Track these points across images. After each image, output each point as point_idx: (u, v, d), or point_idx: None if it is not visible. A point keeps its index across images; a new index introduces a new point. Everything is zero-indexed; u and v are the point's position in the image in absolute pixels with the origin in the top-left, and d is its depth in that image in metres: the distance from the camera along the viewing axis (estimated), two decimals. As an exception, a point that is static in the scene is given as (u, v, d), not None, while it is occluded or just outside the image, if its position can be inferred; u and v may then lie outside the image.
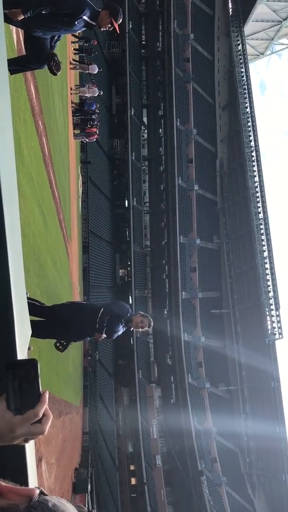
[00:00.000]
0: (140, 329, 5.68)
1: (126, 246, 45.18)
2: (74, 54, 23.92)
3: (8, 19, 4.29)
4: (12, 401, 1.16)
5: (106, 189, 44.17)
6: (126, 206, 45.81)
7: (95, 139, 27.22)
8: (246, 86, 49.62)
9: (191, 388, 43.20)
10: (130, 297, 43.19)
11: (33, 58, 4.88)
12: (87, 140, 26.90)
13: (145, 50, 50.49)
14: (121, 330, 5.67)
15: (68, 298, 17.52)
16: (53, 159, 11.77)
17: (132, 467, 41.22)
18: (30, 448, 1.48)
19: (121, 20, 4.87)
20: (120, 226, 46.54)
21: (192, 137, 47.48)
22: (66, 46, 19.70)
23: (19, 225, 1.68)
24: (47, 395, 1.20)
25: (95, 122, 24.54)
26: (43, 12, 4.40)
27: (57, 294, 12.54)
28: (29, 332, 1.74)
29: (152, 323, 5.73)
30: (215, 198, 50.19)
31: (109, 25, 4.76)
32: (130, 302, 42.61)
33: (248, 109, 48.77)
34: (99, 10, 4.77)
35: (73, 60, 23.33)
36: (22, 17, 4.33)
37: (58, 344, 5.66)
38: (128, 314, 5.69)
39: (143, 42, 50.74)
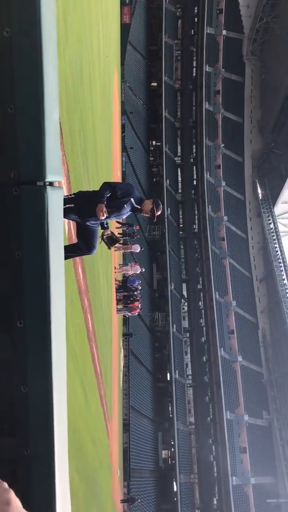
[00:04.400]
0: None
1: (169, 423, 42.61)
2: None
3: (65, 215, 4.92)
4: None
5: (147, 362, 43.66)
6: (168, 379, 44.55)
7: (137, 313, 27.91)
8: (281, 260, 51.65)
9: None
10: (174, 483, 39.15)
11: (83, 246, 5.48)
12: (129, 315, 27.60)
13: (183, 231, 54.77)
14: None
15: (107, 484, 16.07)
16: (96, 334, 12.00)
17: None
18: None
19: (160, 212, 5.69)
20: (162, 401, 44.63)
21: (232, 308, 48.06)
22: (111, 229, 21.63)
23: (65, 408, 1.64)
24: None
25: (137, 297, 25.46)
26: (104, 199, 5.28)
27: (95, 477, 11.58)
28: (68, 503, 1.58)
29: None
30: (260, 370, 48.40)
31: (150, 213, 5.57)
32: (175, 489, 38.53)
33: (285, 281, 49.91)
34: (144, 198, 5.63)
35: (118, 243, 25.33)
36: (103, 206, 5.21)
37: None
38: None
39: (181, 225, 55.30)
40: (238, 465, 41.28)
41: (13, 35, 1.48)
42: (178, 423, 41.78)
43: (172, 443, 41.46)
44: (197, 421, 46.22)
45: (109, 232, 5.77)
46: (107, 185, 5.37)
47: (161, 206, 5.70)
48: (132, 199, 5.46)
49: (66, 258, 5.61)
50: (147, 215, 5.65)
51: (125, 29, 42.78)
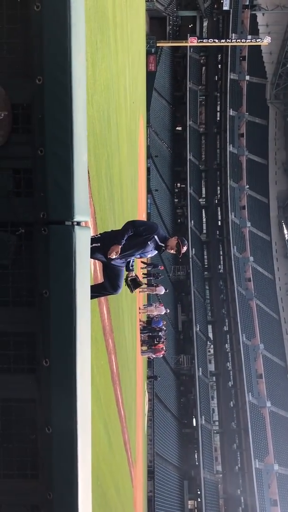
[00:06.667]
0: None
1: (195, 471, 41.01)
2: (143, 278, 26.10)
3: (92, 254, 4.97)
4: None
5: (172, 407, 42.57)
6: (194, 425, 43.21)
7: (161, 355, 27.50)
8: (309, 302, 50.55)
9: None
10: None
11: (109, 285, 5.50)
12: (154, 356, 27.21)
13: (208, 272, 54.44)
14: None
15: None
16: (120, 376, 11.82)
17: None
18: None
19: (185, 249, 5.69)
20: (188, 447, 43.15)
21: (260, 351, 46.84)
22: (136, 272, 21.68)
23: (89, 451, 1.60)
24: None
25: (162, 339, 25.15)
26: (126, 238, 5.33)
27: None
28: None
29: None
30: (290, 416, 46.53)
31: (176, 250, 5.60)
32: None
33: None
34: (169, 237, 5.69)
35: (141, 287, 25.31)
36: (119, 248, 5.24)
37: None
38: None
39: (206, 265, 55.06)
40: (268, 518, 39.13)
41: (45, 82, 1.55)
42: (205, 472, 40.17)
43: (199, 492, 39.76)
44: (224, 470, 44.38)
45: (133, 275, 5.76)
46: (130, 225, 5.44)
47: (186, 242, 5.73)
48: (155, 237, 5.50)
49: (91, 298, 5.61)
50: (172, 251, 5.66)
51: (150, 76, 44.40)
